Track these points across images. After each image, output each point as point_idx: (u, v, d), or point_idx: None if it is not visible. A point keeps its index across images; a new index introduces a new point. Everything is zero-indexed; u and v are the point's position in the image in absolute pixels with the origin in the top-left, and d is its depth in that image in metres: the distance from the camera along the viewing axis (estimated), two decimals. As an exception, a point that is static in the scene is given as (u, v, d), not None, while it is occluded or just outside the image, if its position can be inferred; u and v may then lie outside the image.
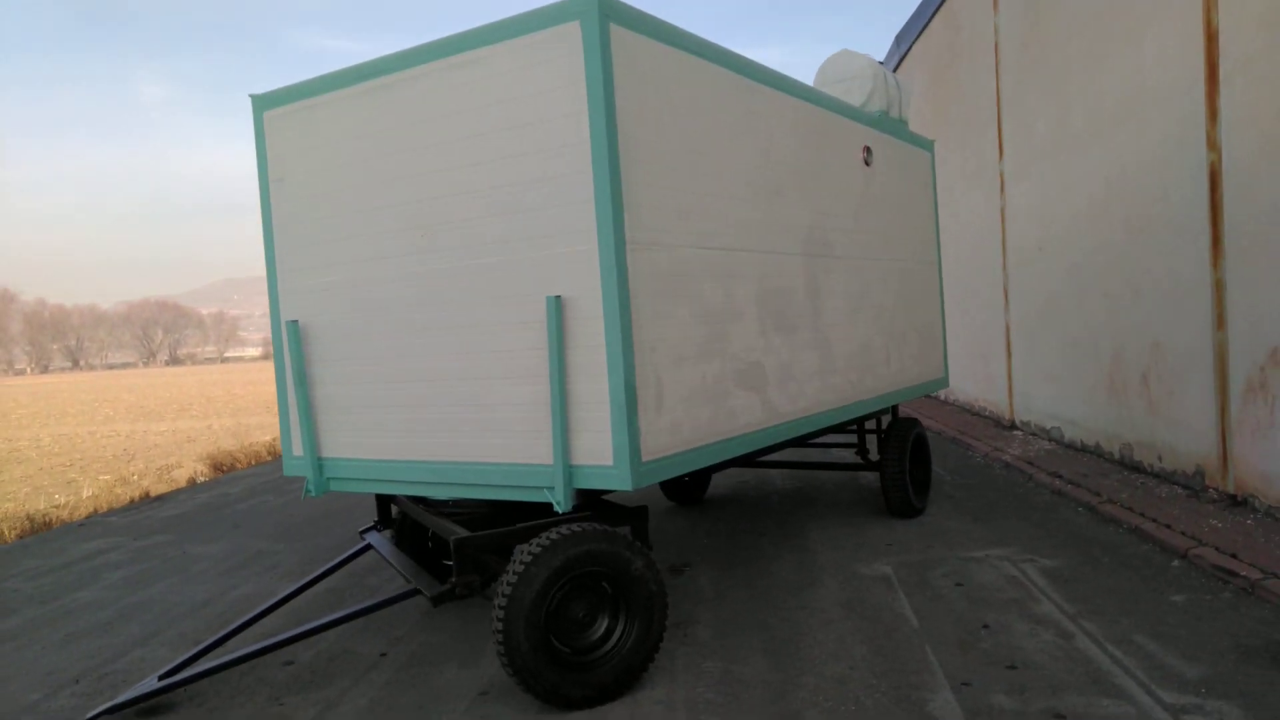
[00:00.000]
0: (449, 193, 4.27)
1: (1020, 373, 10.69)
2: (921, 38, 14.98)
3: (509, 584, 3.76)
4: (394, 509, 5.31)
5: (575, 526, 3.91)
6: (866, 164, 6.31)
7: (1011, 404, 11.04)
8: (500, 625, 3.74)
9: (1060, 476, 7.81)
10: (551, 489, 4.00)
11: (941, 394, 14.80)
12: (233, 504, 9.84)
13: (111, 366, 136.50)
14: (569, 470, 3.96)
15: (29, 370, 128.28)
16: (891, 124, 6.84)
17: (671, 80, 4.23)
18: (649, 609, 4.02)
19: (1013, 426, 10.96)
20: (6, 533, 9.50)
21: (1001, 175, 10.93)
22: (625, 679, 3.96)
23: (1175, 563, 5.42)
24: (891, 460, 6.78)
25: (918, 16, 15.10)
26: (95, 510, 10.57)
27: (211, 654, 4.44)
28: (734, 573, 5.76)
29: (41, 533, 9.30)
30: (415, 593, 4.17)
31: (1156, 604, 4.73)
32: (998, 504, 7.27)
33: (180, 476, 13.62)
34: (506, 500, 4.30)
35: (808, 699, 3.83)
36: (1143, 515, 6.25)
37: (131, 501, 11.06)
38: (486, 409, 4.23)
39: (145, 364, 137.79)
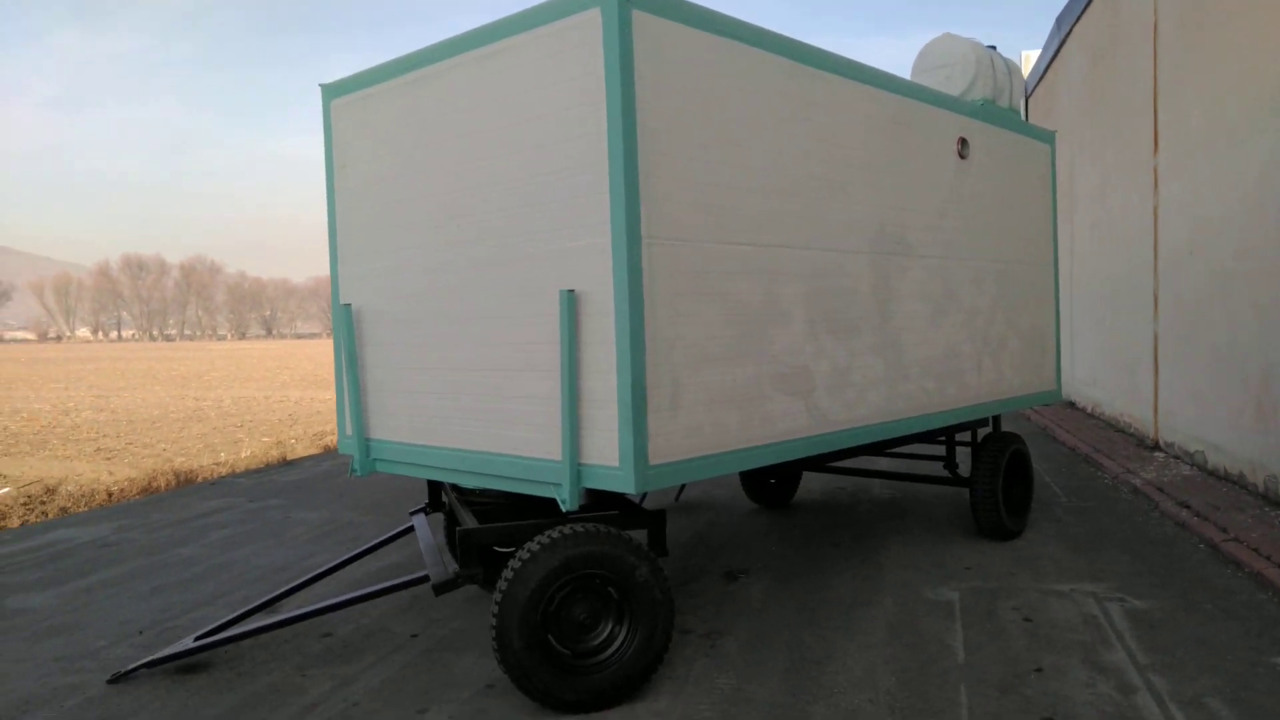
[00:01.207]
0: (480, 183, 4.26)
1: (1166, 388, 9.72)
2: (1081, 20, 13.85)
3: (505, 580, 3.73)
4: (444, 494, 5.38)
5: (579, 527, 3.83)
6: (961, 156, 5.86)
7: (1156, 422, 10.06)
8: (494, 621, 3.71)
9: (1189, 507, 7.04)
10: (559, 486, 3.92)
11: (1087, 407, 13.70)
12: (348, 472, 10.33)
13: (299, 335, 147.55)
14: (576, 469, 3.88)
15: (229, 336, 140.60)
16: (998, 113, 6.31)
17: (706, 68, 4.04)
18: (653, 617, 3.88)
19: (1155, 447, 9.99)
20: (163, 484, 10.43)
21: (1156, 170, 9.94)
22: (624, 687, 3.85)
23: (1290, 616, 4.76)
24: (983, 477, 6.29)
25: (1074, 1, 13.97)
26: (232, 471, 11.40)
27: (249, 619, 4.64)
28: (790, 584, 5.51)
29: (185, 487, 10.12)
30: (425, 579, 4.20)
31: (1250, 663, 4.16)
32: (1107, 533, 6.63)
33: (328, 442, 14.49)
34: (527, 494, 4.26)
35: (809, 729, 3.60)
36: (1269, 559, 5.53)
37: (266, 465, 11.86)
38: (508, 401, 4.20)
39: (328, 334, 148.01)
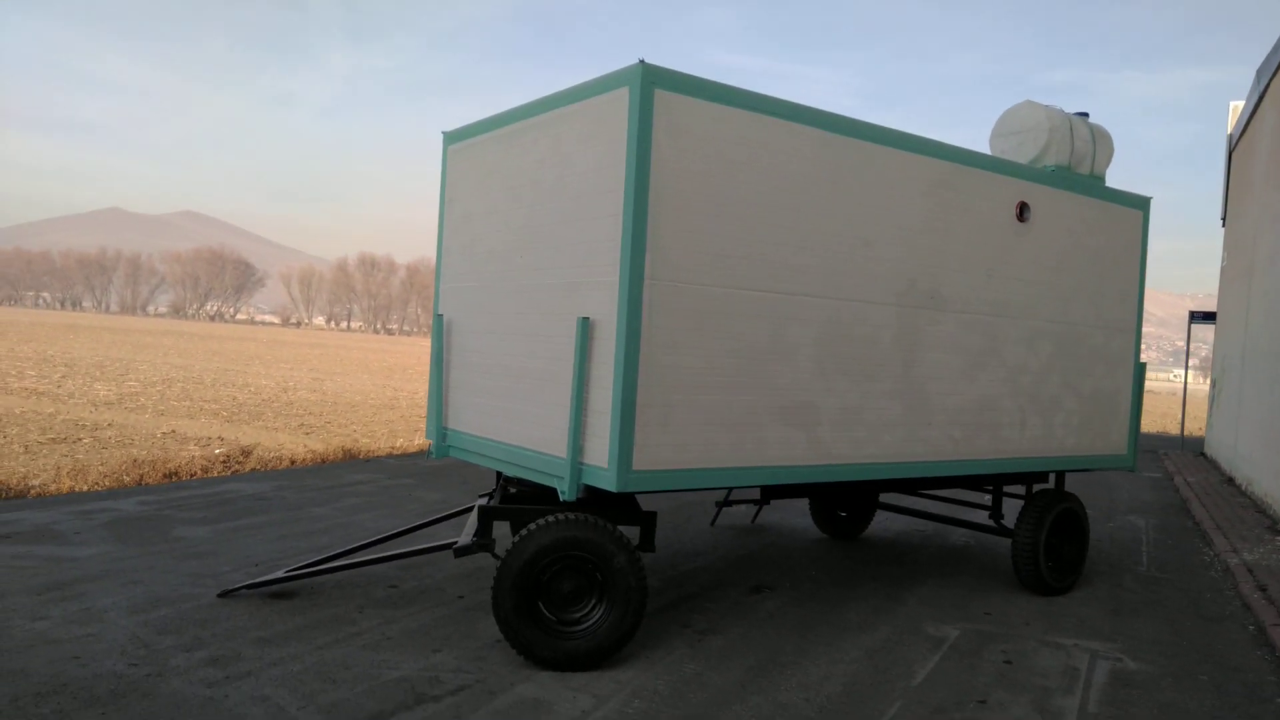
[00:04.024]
0: (540, 222, 5.11)
1: (1302, 470, 9.18)
2: (1278, 75, 13.09)
3: (507, 551, 4.53)
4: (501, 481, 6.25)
5: (571, 515, 4.57)
6: (1020, 219, 6.12)
7: (1290, 505, 9.50)
8: (493, 584, 4.51)
9: (1264, 590, 6.82)
10: (562, 479, 4.68)
11: (1243, 484, 12.84)
12: (480, 467, 11.52)
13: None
14: (577, 466, 4.62)
15: (398, 331, 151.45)
16: (1073, 180, 6.48)
17: (725, 137, 4.68)
18: (626, 600, 4.56)
19: (1285, 531, 9.43)
20: (333, 458, 12.04)
21: (1312, 240, 9.43)
22: (596, 655, 4.54)
23: (1283, 699, 4.75)
24: (1025, 530, 6.46)
25: (1276, 50, 13.22)
26: (391, 452, 12.91)
27: (328, 562, 5.68)
28: (804, 604, 5.97)
29: (347, 461, 11.67)
30: (453, 544, 5.06)
31: (1196, 728, 4.29)
32: (1161, 603, 6.58)
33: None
34: (546, 485, 5.03)
35: (737, 712, 4.14)
36: (1300, 645, 5.42)
37: (419, 450, 13.32)
38: (539, 405, 5.01)
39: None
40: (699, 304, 4.66)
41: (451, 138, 6.13)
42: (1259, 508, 11.09)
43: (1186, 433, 20.08)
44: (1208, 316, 18.32)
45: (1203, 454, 18.11)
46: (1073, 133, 6.53)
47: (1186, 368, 18.38)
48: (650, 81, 4.42)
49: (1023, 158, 6.52)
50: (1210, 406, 18.15)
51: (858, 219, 5.28)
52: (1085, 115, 6.87)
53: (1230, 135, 18.57)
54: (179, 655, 4.40)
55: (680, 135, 4.54)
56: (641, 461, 4.48)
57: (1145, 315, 7.30)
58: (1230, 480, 13.76)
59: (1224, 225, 18.75)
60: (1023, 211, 6.14)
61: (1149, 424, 31.92)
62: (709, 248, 4.68)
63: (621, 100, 4.49)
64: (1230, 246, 17.35)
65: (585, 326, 4.61)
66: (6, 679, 4.01)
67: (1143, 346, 7.16)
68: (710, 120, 4.64)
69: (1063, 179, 6.43)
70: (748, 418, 4.87)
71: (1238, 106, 18.47)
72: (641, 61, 4.42)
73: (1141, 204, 7.05)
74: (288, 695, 4.03)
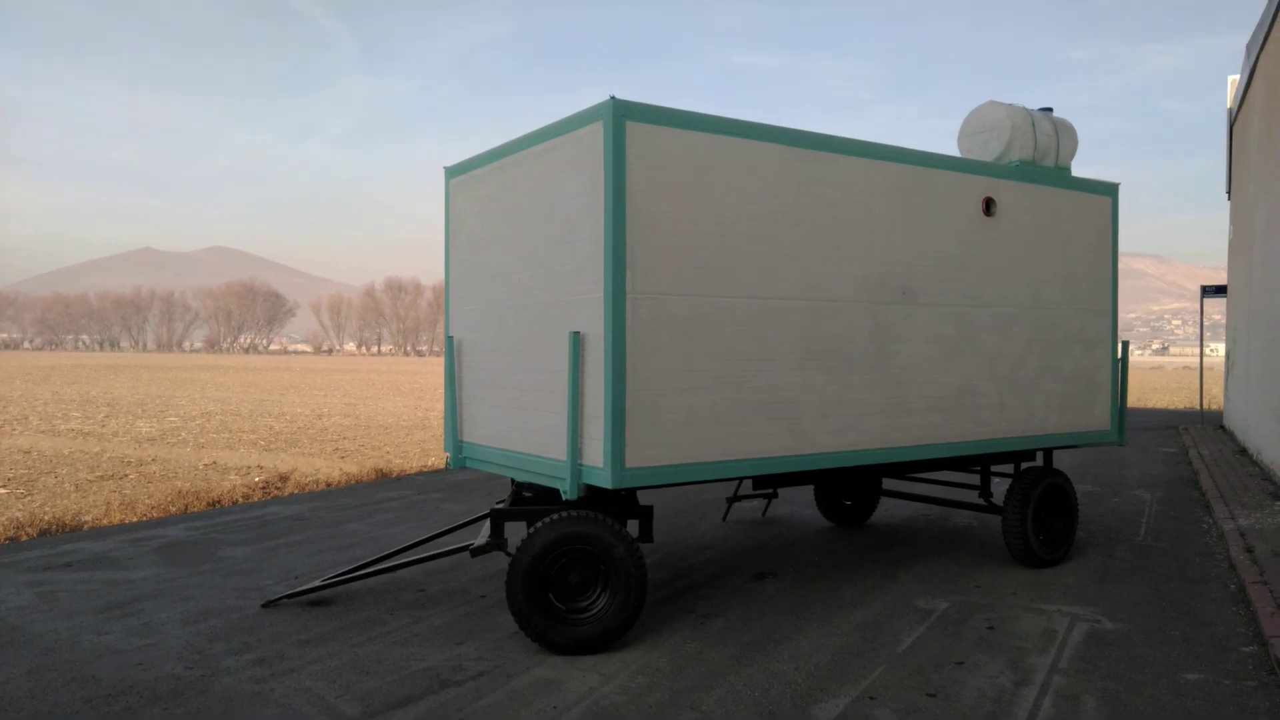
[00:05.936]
0: (535, 246, 5.57)
1: (1298, 436, 9.41)
2: (1264, 50, 13.30)
3: (517, 548, 4.98)
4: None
5: (574, 513, 5.02)
6: (987, 214, 6.49)
7: (1291, 470, 9.72)
8: (507, 578, 4.97)
9: (1251, 551, 7.11)
10: (564, 480, 5.13)
11: (1253, 453, 13.01)
12: (500, 477, 12.01)
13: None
14: (577, 468, 5.07)
15: (428, 352, 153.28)
16: (1038, 173, 6.84)
17: (696, 160, 5.13)
18: (628, 588, 5.00)
19: (1286, 496, 9.65)
20: (366, 478, 12.59)
21: (1294, 211, 9.68)
22: (604, 638, 4.98)
23: (1248, 648, 5.08)
24: (1013, 507, 6.81)
25: (1261, 24, 13.43)
26: (422, 469, 13.44)
27: (360, 570, 6.17)
28: (803, 586, 6.37)
29: (379, 480, 12.21)
30: (468, 547, 5.53)
31: (1158, 677, 4.64)
32: (1149, 569, 6.90)
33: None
34: (551, 487, 5.48)
35: (731, 682, 4.56)
36: None
37: (447, 468, 13.84)
38: (542, 414, 5.46)
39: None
40: (679, 313, 5.10)
41: (453, 171, 6.63)
42: (1266, 476, 11.29)
43: (1214, 406, 20.12)
44: (1219, 290, 18.42)
45: (1222, 427, 18.20)
46: (1035, 128, 6.89)
47: (1201, 341, 18.47)
48: (621, 115, 4.87)
49: (988, 155, 6.90)
50: (1226, 378, 18.24)
51: (826, 225, 5.69)
52: (1049, 110, 7.23)
53: (1230, 109, 18.69)
54: (229, 658, 4.90)
55: (651, 161, 4.98)
56: (634, 460, 4.92)
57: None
58: (1243, 451, 13.93)
59: (1229, 199, 18.86)
60: (989, 206, 6.52)
61: (1179, 400, 31.81)
62: (686, 261, 5.11)
63: (597, 133, 4.95)
64: (1235, 220, 17.47)
65: (576, 340, 5.06)
66: (81, 684, 4.53)
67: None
68: (679, 145, 5.09)
69: (1027, 172, 6.80)
70: (732, 415, 5.30)
71: (1235, 80, 18.58)
72: (612, 98, 4.87)
73: (1109, 190, 7.39)
74: (326, 686, 4.51)
